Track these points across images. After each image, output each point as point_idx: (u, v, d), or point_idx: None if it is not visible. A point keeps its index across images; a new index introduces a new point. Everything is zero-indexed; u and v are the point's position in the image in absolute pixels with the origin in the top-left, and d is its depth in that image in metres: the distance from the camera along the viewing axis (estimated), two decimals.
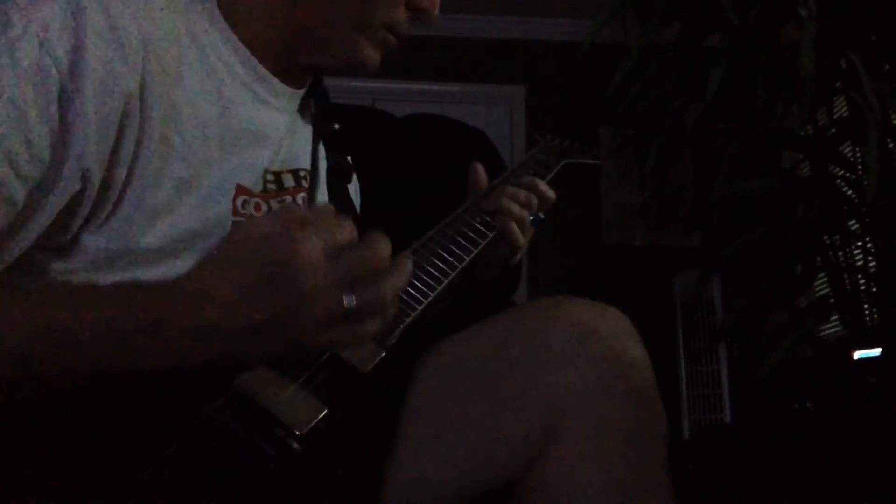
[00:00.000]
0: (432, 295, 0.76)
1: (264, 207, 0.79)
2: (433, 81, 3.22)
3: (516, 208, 0.92)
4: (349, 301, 0.56)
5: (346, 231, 0.58)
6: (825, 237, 1.94)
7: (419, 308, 0.74)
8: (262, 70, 0.79)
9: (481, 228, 0.89)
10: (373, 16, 0.78)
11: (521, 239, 0.93)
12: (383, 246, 0.58)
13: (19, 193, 0.61)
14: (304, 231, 0.55)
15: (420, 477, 0.67)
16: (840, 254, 1.96)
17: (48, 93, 0.61)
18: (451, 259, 0.82)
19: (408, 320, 0.72)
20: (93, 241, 0.66)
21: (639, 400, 0.69)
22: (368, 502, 0.64)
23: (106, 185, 0.66)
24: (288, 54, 0.80)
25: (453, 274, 0.80)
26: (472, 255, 0.84)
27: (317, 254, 0.55)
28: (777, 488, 1.50)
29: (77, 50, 0.62)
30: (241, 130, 0.76)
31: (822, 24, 1.79)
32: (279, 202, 0.81)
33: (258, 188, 0.79)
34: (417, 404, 0.70)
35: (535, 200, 0.94)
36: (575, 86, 3.10)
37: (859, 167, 1.90)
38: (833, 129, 2.01)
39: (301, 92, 0.86)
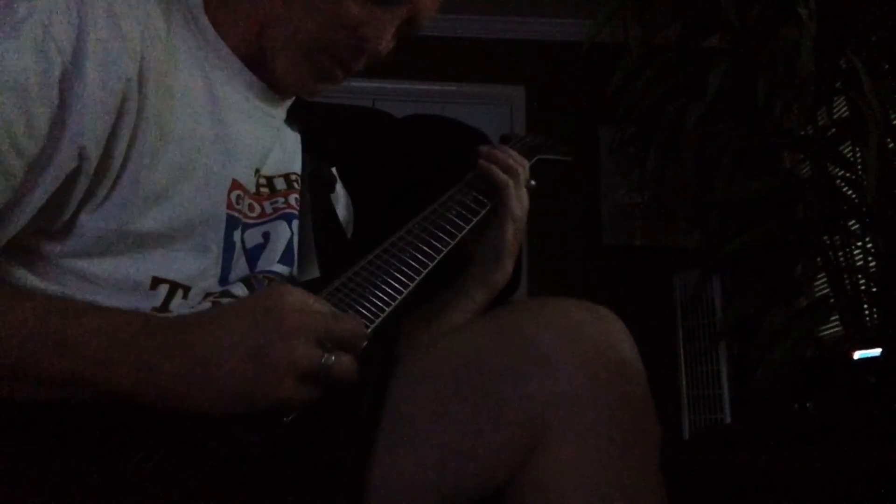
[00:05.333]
0: (417, 279, 0.75)
1: (258, 209, 0.80)
2: (433, 81, 3.22)
3: (510, 161, 0.95)
4: (328, 358, 0.60)
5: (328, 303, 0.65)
6: (825, 237, 1.94)
7: (401, 295, 0.73)
8: (251, 76, 0.81)
9: (472, 206, 0.89)
10: (307, 33, 0.77)
11: (512, 189, 0.93)
12: (362, 326, 0.64)
13: (17, 167, 0.63)
14: (293, 289, 0.62)
15: (400, 472, 0.66)
16: (840, 254, 1.96)
17: (50, 73, 0.63)
18: (440, 240, 0.81)
19: (391, 306, 0.71)
20: (90, 222, 0.68)
21: (630, 405, 0.65)
22: (352, 491, 0.64)
23: (104, 164, 0.67)
24: (264, 67, 0.81)
25: (438, 257, 0.79)
26: (459, 237, 0.84)
27: (303, 301, 0.61)
28: (777, 488, 1.50)
29: (79, 35, 0.64)
30: (232, 131, 0.78)
31: (822, 24, 1.79)
32: (272, 203, 0.82)
33: (251, 189, 0.80)
34: (398, 399, 0.69)
35: (524, 161, 0.97)
36: (575, 86, 3.10)
37: (859, 167, 1.90)
38: (833, 129, 2.00)
39: (289, 102, 0.88)
